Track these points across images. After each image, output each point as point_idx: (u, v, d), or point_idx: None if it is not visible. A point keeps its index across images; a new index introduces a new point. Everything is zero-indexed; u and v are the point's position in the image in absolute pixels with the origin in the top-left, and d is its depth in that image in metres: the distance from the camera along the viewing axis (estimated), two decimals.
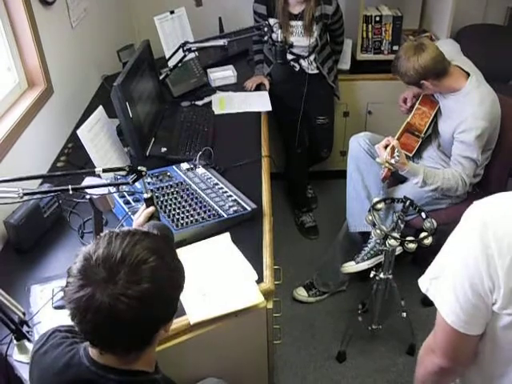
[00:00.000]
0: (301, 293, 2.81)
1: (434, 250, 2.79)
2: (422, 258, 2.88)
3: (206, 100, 2.78)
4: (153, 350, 1.09)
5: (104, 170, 1.37)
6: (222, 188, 2.01)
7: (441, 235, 2.93)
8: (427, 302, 2.75)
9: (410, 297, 2.64)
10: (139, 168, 1.38)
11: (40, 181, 2.07)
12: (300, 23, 2.81)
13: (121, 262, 0.94)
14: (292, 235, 3.27)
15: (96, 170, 1.37)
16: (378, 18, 3.22)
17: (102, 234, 1.01)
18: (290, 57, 2.90)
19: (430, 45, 2.24)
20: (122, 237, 0.98)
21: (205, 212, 1.86)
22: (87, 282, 0.94)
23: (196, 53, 2.86)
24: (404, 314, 2.36)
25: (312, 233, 3.26)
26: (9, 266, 1.78)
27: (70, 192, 1.33)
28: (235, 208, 1.89)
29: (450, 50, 2.41)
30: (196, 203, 1.91)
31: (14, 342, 1.45)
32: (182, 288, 1.05)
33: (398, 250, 2.23)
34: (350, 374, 2.45)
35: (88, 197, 1.73)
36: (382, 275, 2.25)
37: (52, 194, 1.36)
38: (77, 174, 1.81)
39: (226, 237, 1.80)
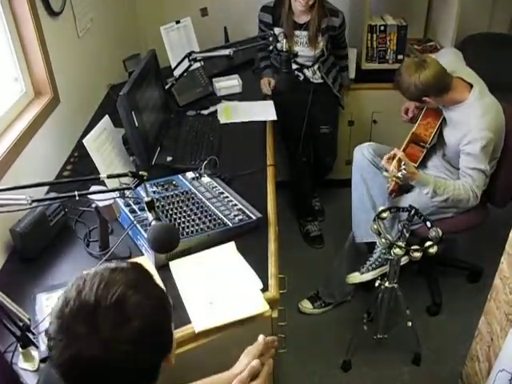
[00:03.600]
0: (306, 305, 2.81)
1: (439, 259, 2.82)
2: (428, 267, 2.89)
3: (212, 109, 2.79)
4: None
5: (108, 176, 1.39)
6: (227, 197, 2.01)
7: (447, 244, 2.96)
8: (432, 312, 2.75)
9: (415, 306, 2.64)
10: (140, 172, 1.39)
11: (46, 189, 2.08)
12: (305, 33, 2.83)
13: (96, 307, 0.85)
14: (297, 244, 3.28)
15: (101, 176, 1.39)
16: (382, 28, 3.23)
17: (68, 284, 0.91)
18: (294, 66, 2.92)
19: (432, 61, 2.25)
20: (91, 280, 0.89)
21: (210, 221, 1.86)
22: (69, 342, 0.85)
23: (201, 62, 2.88)
24: (409, 323, 2.35)
25: (317, 242, 3.26)
26: (15, 274, 1.78)
27: (77, 198, 1.34)
28: (240, 217, 1.89)
29: (452, 60, 2.42)
30: (201, 212, 1.91)
31: (20, 349, 1.45)
32: (171, 315, 0.97)
33: (404, 260, 2.22)
34: None
35: (94, 205, 1.75)
36: (387, 284, 2.25)
37: (59, 200, 1.37)
38: (82, 183, 1.83)
39: (231, 246, 1.81)
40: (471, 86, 2.28)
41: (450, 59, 2.36)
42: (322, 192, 3.57)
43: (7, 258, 1.85)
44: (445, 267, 2.97)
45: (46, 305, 1.64)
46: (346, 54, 3.12)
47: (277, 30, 2.73)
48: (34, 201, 1.27)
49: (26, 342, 1.44)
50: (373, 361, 2.53)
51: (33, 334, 1.46)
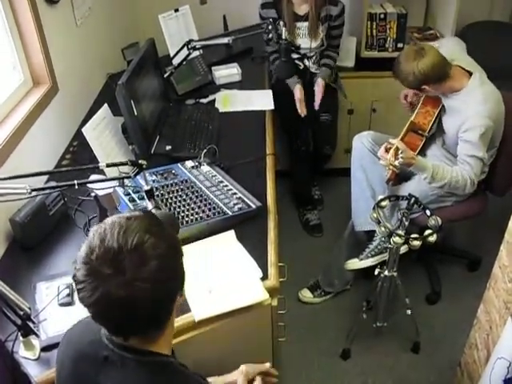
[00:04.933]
0: (306, 294, 2.81)
1: (438, 248, 2.82)
2: (427, 256, 2.90)
3: (211, 98, 2.78)
4: (170, 332, 1.13)
5: (107, 165, 1.39)
6: (226, 186, 2.01)
7: (446, 233, 2.96)
8: (432, 300, 2.76)
9: (414, 294, 2.64)
10: (140, 161, 1.39)
11: (45, 179, 2.08)
12: (306, 24, 2.82)
13: (120, 252, 0.95)
14: (297, 233, 3.28)
15: (100, 164, 1.38)
16: (382, 16, 3.21)
17: (89, 235, 1.00)
18: (295, 56, 2.91)
19: (431, 50, 2.24)
20: (111, 228, 0.98)
21: (209, 209, 1.87)
22: (97, 283, 0.94)
23: (200, 51, 2.87)
24: (408, 312, 2.36)
25: (316, 230, 3.26)
26: (15, 263, 1.79)
27: (76, 187, 1.34)
28: (240, 205, 1.89)
29: (453, 48, 2.42)
30: (201, 201, 1.92)
31: (20, 338, 1.46)
32: (182, 253, 1.07)
33: (403, 249, 2.23)
34: (355, 372, 2.46)
35: (93, 194, 1.75)
36: (386, 273, 2.25)
37: (59, 189, 1.36)
38: (82, 172, 1.82)
39: (230, 234, 1.81)
40: (471, 74, 2.27)
41: (451, 48, 2.36)
42: (321, 181, 3.57)
43: (7, 247, 1.86)
44: (444, 256, 2.98)
45: (46, 294, 1.65)
46: (337, 45, 3.05)
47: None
48: (33, 190, 1.27)
49: (27, 331, 1.45)
50: (372, 349, 2.54)
51: (33, 322, 1.47)
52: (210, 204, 1.90)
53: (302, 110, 2.92)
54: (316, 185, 3.53)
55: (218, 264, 1.70)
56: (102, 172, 1.79)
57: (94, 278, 0.95)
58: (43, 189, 1.34)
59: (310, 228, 3.28)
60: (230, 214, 1.85)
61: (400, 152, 2.18)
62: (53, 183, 1.53)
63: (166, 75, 2.64)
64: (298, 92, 2.92)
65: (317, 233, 3.26)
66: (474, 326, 2.15)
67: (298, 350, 2.53)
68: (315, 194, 3.50)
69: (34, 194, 1.27)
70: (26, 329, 1.44)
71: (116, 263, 0.94)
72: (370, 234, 2.51)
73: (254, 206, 1.90)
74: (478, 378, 2.00)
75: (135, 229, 0.98)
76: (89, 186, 1.73)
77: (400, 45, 3.25)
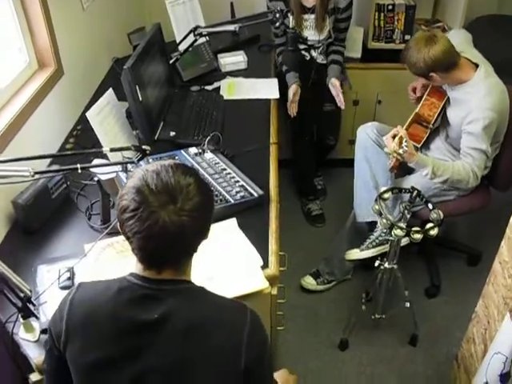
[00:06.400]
0: (309, 281, 2.81)
1: (440, 241, 2.82)
2: (428, 249, 2.90)
3: (216, 85, 2.77)
4: (191, 263, 1.23)
5: (111, 150, 1.38)
6: (229, 173, 2.01)
7: (448, 227, 2.96)
8: (431, 294, 2.76)
9: (414, 288, 2.65)
10: (143, 147, 1.39)
11: (48, 162, 2.08)
12: (313, 16, 2.80)
13: (175, 185, 1.08)
14: (298, 223, 3.28)
15: (103, 149, 1.38)
16: (390, 7, 3.19)
17: (137, 173, 1.12)
18: (301, 46, 2.90)
19: (442, 37, 2.22)
20: (165, 168, 1.12)
21: None
22: (152, 210, 1.05)
23: (207, 37, 2.85)
24: (407, 304, 2.36)
25: (318, 220, 3.26)
26: (16, 245, 1.80)
27: (79, 171, 1.34)
28: (242, 194, 1.89)
29: (460, 41, 2.39)
30: None
31: (21, 320, 1.47)
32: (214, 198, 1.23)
33: (404, 242, 2.23)
34: (352, 363, 2.47)
35: (96, 179, 1.75)
36: (386, 265, 2.25)
37: (62, 172, 1.37)
38: (85, 156, 1.83)
39: (232, 222, 1.81)
40: (477, 66, 2.26)
41: (458, 40, 2.33)
42: (325, 171, 3.56)
43: (9, 229, 1.86)
44: (445, 250, 2.98)
45: (47, 277, 1.65)
46: (343, 39, 3.01)
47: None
48: (36, 173, 1.27)
49: (27, 313, 1.45)
50: (370, 340, 2.55)
51: (33, 305, 1.48)
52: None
53: (291, 111, 2.92)
54: (320, 175, 3.53)
55: (218, 251, 1.70)
56: (105, 156, 1.79)
57: (148, 204, 1.06)
58: (46, 172, 1.35)
59: (312, 218, 3.28)
60: (232, 201, 1.86)
61: (404, 141, 2.17)
62: (56, 167, 1.54)
63: (171, 61, 2.63)
64: (291, 92, 2.89)
65: (319, 223, 3.26)
66: (472, 321, 2.16)
67: (296, 339, 2.55)
68: (318, 184, 3.49)
69: (36, 176, 1.27)
70: (26, 311, 1.45)
71: (170, 195, 1.07)
72: (372, 225, 2.51)
73: (256, 195, 1.90)
74: (474, 372, 2.01)
75: (184, 172, 1.12)
76: (92, 170, 1.74)
77: (407, 37, 3.22)
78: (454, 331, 2.50)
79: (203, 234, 1.17)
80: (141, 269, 1.15)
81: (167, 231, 1.06)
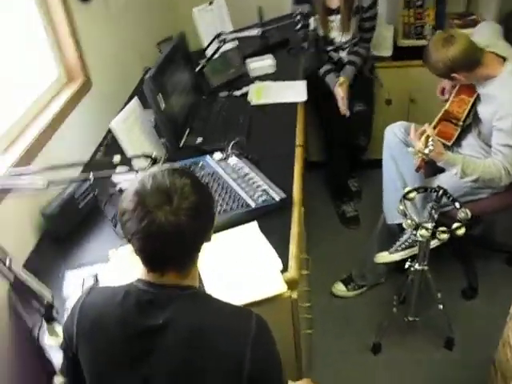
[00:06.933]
0: (339, 288, 2.79)
1: (478, 241, 2.74)
2: (465, 249, 2.82)
3: (244, 90, 2.77)
4: (197, 265, 1.24)
5: (121, 159, 1.42)
6: (252, 178, 2.01)
7: (485, 226, 2.87)
8: (468, 296, 2.68)
9: (450, 290, 2.59)
10: (154, 154, 1.42)
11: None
12: (338, 17, 2.78)
13: (170, 187, 1.11)
14: (333, 227, 3.25)
15: (114, 157, 1.42)
16: (419, 2, 3.12)
17: (137, 179, 1.15)
18: (329, 47, 2.89)
19: (461, 36, 2.17)
20: (162, 171, 1.15)
21: (233, 201, 1.88)
22: (148, 210, 1.08)
23: (236, 42, 2.87)
24: (440, 307, 2.30)
25: (353, 222, 3.22)
26: (46, 254, 1.87)
27: (91, 181, 1.38)
28: (264, 198, 1.89)
29: (488, 34, 2.32)
30: (225, 193, 1.93)
31: (45, 326, 1.52)
32: (214, 199, 1.25)
33: (434, 243, 2.17)
34: (384, 366, 2.43)
35: (117, 188, 1.80)
36: (417, 266, 2.21)
37: (74, 182, 1.41)
38: (113, 166, 1.87)
39: (253, 225, 1.81)
40: (505, 60, 2.19)
41: (485, 33, 2.27)
42: (360, 173, 3.51)
43: (40, 238, 1.93)
44: (482, 250, 2.89)
45: (74, 283, 1.71)
46: (368, 39, 2.97)
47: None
48: (50, 183, 1.32)
49: (50, 319, 1.50)
50: (403, 344, 2.50)
51: (56, 310, 1.53)
52: (234, 196, 1.91)
53: (343, 110, 2.88)
54: (354, 176, 3.48)
55: (238, 255, 1.71)
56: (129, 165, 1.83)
57: (144, 205, 1.08)
58: (59, 182, 1.39)
59: (347, 220, 3.24)
60: (254, 206, 1.86)
61: (430, 140, 2.13)
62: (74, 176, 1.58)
63: (197, 68, 2.66)
64: (341, 91, 2.86)
65: (353, 225, 3.22)
66: (507, 323, 2.09)
67: (328, 343, 2.52)
68: (353, 185, 3.45)
69: (51, 186, 1.31)
70: (49, 316, 1.50)
71: (166, 195, 1.09)
72: (403, 227, 2.46)
73: (277, 199, 1.89)
74: (511, 378, 1.94)
75: (179, 173, 1.15)
76: (113, 179, 1.78)
77: (440, 31, 3.14)
78: (493, 334, 2.40)
79: (203, 234, 1.17)
80: (145, 272, 1.18)
81: (164, 231, 1.07)
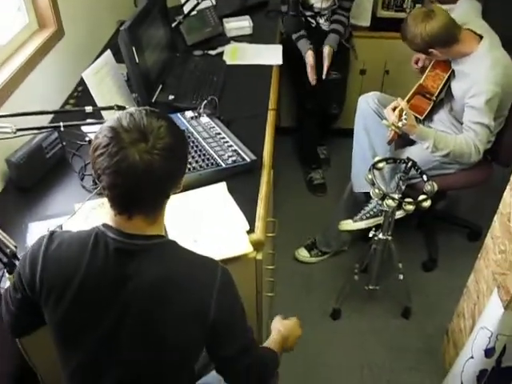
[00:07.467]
0: (302, 253, 2.82)
1: (441, 216, 2.80)
2: (428, 223, 2.88)
3: (220, 50, 2.74)
4: (164, 213, 1.23)
5: (93, 109, 1.39)
6: (223, 138, 2.00)
7: (449, 201, 2.93)
8: (427, 267, 2.75)
9: (411, 261, 2.65)
10: (126, 106, 1.39)
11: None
12: None
13: (147, 126, 1.10)
14: (300, 192, 3.27)
15: (86, 108, 1.38)
16: None
17: (116, 115, 1.14)
18: (307, 13, 2.85)
19: (440, 12, 2.17)
20: (139, 111, 1.14)
21: (203, 160, 1.87)
22: (122, 146, 1.06)
23: (213, 1, 2.81)
24: (401, 277, 2.35)
25: (320, 190, 3.25)
26: (9, 203, 1.83)
27: (62, 129, 1.35)
28: (234, 158, 1.89)
29: (466, 11, 2.33)
30: (196, 151, 1.91)
31: (6, 275, 1.49)
32: (188, 144, 1.24)
33: (399, 214, 2.21)
34: (343, 332, 2.48)
35: (87, 139, 1.76)
36: (380, 235, 2.24)
37: (44, 130, 1.37)
38: (84, 115, 1.82)
39: (222, 186, 1.81)
40: (481, 38, 2.20)
41: (464, 10, 2.27)
42: (329, 141, 3.52)
43: (3, 187, 1.89)
44: (445, 224, 2.95)
45: (38, 234, 1.67)
46: (348, 8, 2.93)
47: None
48: (18, 129, 1.28)
49: (12, 269, 1.48)
50: (362, 311, 2.56)
51: (18, 259, 1.50)
52: (204, 155, 1.90)
53: (312, 77, 2.87)
54: (323, 144, 3.49)
55: (205, 214, 1.71)
56: (98, 117, 1.80)
57: (119, 140, 1.07)
58: (28, 129, 1.35)
59: (314, 187, 3.26)
60: (224, 165, 1.85)
61: (404, 113, 2.14)
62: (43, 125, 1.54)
63: (174, 24, 2.60)
64: (311, 58, 2.84)
65: (320, 192, 3.25)
66: (463, 295, 2.16)
67: (288, 306, 2.54)
68: (322, 153, 3.46)
69: (19, 133, 1.27)
70: (12, 266, 1.48)
71: (141, 133, 1.08)
72: (369, 197, 2.49)
73: (248, 160, 1.89)
74: (462, 347, 2.01)
75: (155, 115, 1.14)
76: (83, 130, 1.75)
77: (419, 5, 3.12)
78: (448, 305, 2.48)
79: (174, 178, 1.17)
80: (112, 216, 1.16)
81: (136, 168, 1.06)
